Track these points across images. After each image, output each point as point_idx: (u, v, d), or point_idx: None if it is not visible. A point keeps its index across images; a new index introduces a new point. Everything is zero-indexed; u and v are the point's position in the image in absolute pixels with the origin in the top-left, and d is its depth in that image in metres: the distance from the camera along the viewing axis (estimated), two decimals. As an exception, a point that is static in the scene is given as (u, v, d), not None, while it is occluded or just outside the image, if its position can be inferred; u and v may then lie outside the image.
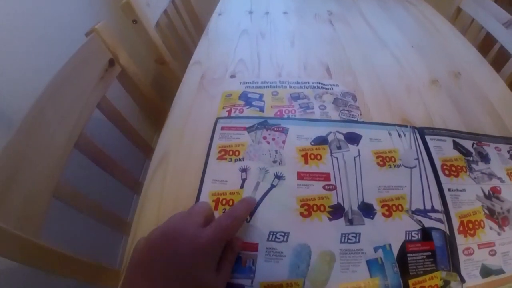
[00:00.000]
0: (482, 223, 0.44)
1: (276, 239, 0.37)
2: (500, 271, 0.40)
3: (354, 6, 0.93)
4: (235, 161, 0.45)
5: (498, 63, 0.85)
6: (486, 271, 0.41)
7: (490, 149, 0.56)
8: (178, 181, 0.44)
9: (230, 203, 0.40)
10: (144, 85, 0.66)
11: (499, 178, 0.51)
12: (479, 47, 0.91)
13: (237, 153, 0.46)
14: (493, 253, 0.44)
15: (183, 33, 0.94)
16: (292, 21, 0.82)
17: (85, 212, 0.50)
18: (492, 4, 0.91)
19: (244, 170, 0.44)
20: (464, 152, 0.54)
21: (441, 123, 0.56)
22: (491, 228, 0.46)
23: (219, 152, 0.46)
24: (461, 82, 0.66)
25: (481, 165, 0.54)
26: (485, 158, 0.55)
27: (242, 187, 0.42)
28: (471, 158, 0.55)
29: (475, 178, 0.51)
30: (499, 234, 0.46)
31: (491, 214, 0.48)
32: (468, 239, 0.44)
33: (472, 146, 0.56)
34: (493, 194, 0.50)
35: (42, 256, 0.40)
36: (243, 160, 0.45)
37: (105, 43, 0.58)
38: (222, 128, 0.50)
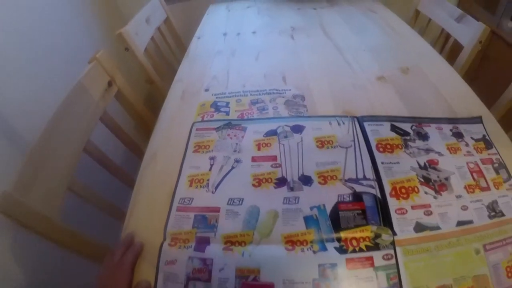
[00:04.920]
0: (416, 188, 0.50)
1: (234, 203, 0.49)
2: (437, 228, 0.45)
3: (317, 20, 1.08)
4: (206, 153, 0.58)
5: (455, 55, 0.94)
6: (420, 228, 0.45)
7: (430, 129, 0.61)
8: (164, 170, 0.57)
9: (202, 181, 0.53)
10: (137, 102, 0.81)
11: (437, 152, 0.56)
12: (442, 44, 1.01)
13: (207, 147, 0.59)
14: (428, 213, 0.48)
15: (169, 56, 1.09)
16: (258, 39, 0.97)
17: (91, 203, 0.62)
18: (444, 1, 1.01)
19: (212, 158, 0.57)
20: (402, 133, 0.59)
21: (383, 112, 0.64)
22: (426, 193, 0.50)
23: (194, 147, 0.60)
24: (409, 75, 0.76)
25: (419, 143, 0.58)
26: (423, 137, 0.59)
27: (210, 170, 0.55)
28: (409, 137, 0.59)
29: (410, 153, 0.56)
30: (435, 198, 0.50)
31: (427, 181, 0.52)
32: (401, 201, 0.49)
33: (411, 127, 0.61)
34: (429, 165, 0.54)
35: (58, 231, 0.51)
36: (212, 152, 0.58)
37: (104, 68, 0.72)
38: (197, 129, 0.64)
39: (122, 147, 0.77)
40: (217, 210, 0.49)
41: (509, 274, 0.43)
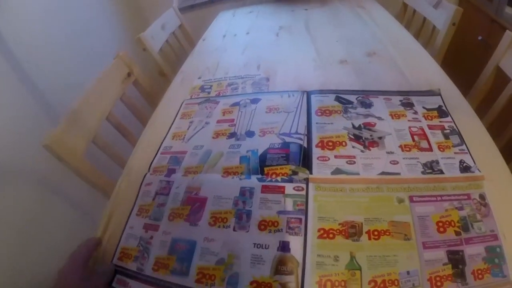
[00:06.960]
0: (344, 143, 0.57)
1: (197, 149, 0.69)
2: (356, 173, 0.52)
3: (303, 19, 1.23)
4: (187, 119, 0.80)
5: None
6: (338, 172, 0.53)
7: (377, 99, 0.65)
8: (158, 131, 0.78)
9: (181, 136, 0.74)
10: (149, 88, 1.06)
11: (377, 117, 0.61)
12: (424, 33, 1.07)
13: (190, 115, 0.81)
14: (351, 162, 0.53)
15: (181, 54, 1.34)
16: (249, 37, 1.17)
17: (105, 152, 0.86)
18: None
19: (191, 122, 0.78)
20: (345, 102, 0.66)
21: (334, 88, 0.72)
22: (353, 147, 0.56)
23: (181, 115, 0.82)
24: (373, 58, 0.84)
25: (360, 110, 0.63)
26: (367, 105, 0.64)
27: (188, 129, 0.76)
28: (351, 106, 0.64)
29: (347, 116, 0.62)
30: (362, 151, 0.55)
31: (357, 138, 0.57)
32: (325, 151, 0.56)
33: (357, 98, 0.66)
34: (363, 126, 0.59)
35: (81, 163, 0.75)
36: (192, 118, 0.80)
37: (125, 63, 0.98)
38: (186, 104, 0.86)
39: (133, 119, 1.02)
40: (184, 152, 0.69)
41: (441, 229, 0.45)
